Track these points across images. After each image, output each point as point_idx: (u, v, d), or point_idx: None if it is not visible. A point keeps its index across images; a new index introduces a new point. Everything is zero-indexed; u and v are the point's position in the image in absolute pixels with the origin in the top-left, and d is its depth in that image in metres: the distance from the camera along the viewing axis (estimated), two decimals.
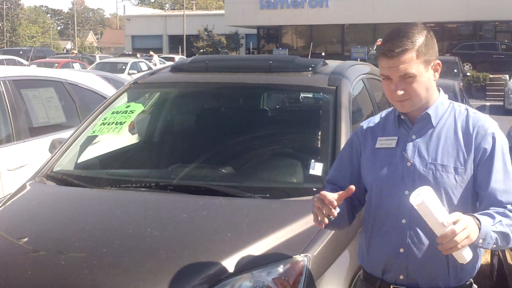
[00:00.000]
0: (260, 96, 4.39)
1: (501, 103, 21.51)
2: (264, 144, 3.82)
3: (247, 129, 4.02)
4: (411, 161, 2.18)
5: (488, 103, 23.17)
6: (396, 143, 2.24)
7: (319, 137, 3.55)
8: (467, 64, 27.75)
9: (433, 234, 2.03)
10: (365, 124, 2.42)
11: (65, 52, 49.09)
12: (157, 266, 2.57)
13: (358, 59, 18.15)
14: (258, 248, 2.68)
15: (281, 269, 2.57)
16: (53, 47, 65.33)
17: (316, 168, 3.23)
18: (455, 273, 2.17)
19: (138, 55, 33.85)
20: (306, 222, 2.73)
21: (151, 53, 36.58)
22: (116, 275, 2.53)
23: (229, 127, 4.11)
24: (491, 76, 26.27)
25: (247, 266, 2.58)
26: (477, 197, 2.19)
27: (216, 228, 2.89)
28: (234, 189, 3.26)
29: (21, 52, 32.79)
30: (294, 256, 2.61)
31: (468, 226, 1.92)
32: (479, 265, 2.25)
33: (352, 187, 2.10)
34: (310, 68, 3.97)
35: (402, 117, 2.26)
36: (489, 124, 2.19)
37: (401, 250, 2.17)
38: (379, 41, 30.85)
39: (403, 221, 2.17)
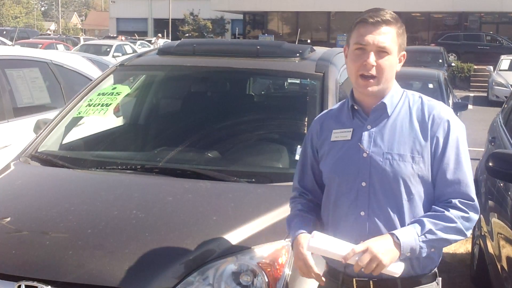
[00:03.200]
0: (247, 81, 4.39)
1: (485, 94, 21.67)
2: (250, 129, 3.83)
3: (233, 114, 4.02)
4: (367, 152, 2.14)
5: (472, 94, 23.32)
6: (351, 135, 2.19)
7: (306, 123, 3.56)
8: (452, 55, 27.88)
9: (393, 225, 2.08)
10: (318, 119, 2.36)
11: (49, 33, 48.56)
12: (142, 248, 2.57)
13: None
14: (243, 232, 2.70)
15: (265, 253, 2.59)
16: (37, 28, 64.55)
17: None
18: (418, 261, 2.13)
19: (123, 38, 33.55)
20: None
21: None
22: (101, 256, 2.53)
23: (216, 112, 4.11)
24: (475, 67, 26.40)
25: (232, 249, 2.60)
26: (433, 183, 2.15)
27: (202, 211, 2.89)
28: (220, 173, 3.26)
29: (4, 32, 32.38)
30: (279, 241, 2.63)
31: (378, 252, 1.96)
32: (441, 254, 2.23)
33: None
34: (297, 54, 3.97)
35: (355, 107, 2.21)
36: (445, 112, 2.16)
37: (361, 242, 2.07)
38: None
39: (362, 213, 2.13)
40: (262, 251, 2.60)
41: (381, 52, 2.09)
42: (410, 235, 2.02)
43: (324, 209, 2.28)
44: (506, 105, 5.56)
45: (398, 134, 2.14)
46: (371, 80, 2.11)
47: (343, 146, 2.20)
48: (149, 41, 35.35)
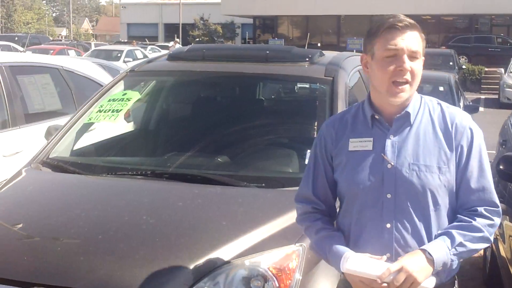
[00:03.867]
0: (257, 86, 4.40)
1: (496, 97, 21.55)
2: (260, 134, 3.83)
3: (243, 119, 4.03)
4: (392, 163, 2.07)
5: (483, 96, 23.21)
6: (372, 145, 2.12)
7: (315, 127, 3.56)
8: (462, 57, 27.76)
9: (420, 236, 2.06)
10: (330, 124, 2.26)
11: (61, 39, 48.83)
12: (152, 254, 2.58)
13: (354, 50, 18.14)
14: (253, 237, 2.70)
15: (276, 258, 2.59)
16: (48, 34, 64.99)
17: None
18: (443, 271, 2.10)
19: (135, 43, 33.70)
20: None
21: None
22: (111, 261, 2.54)
23: (226, 117, 4.11)
24: (486, 69, 26.29)
25: (242, 254, 2.60)
26: (457, 192, 2.13)
27: (211, 216, 2.90)
28: (230, 178, 3.27)
29: (16, 38, 32.60)
30: (289, 246, 2.63)
31: (413, 271, 1.95)
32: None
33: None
34: (307, 59, 3.97)
35: (376, 116, 2.13)
36: (466, 120, 2.13)
37: (387, 255, 2.06)
38: None
39: (388, 225, 2.08)
40: (273, 256, 2.59)
41: (413, 56, 2.05)
42: (441, 250, 2.00)
43: (342, 221, 2.22)
44: None
45: (422, 144, 2.09)
46: (404, 86, 2.05)
47: (364, 156, 2.12)
48: (160, 46, 35.46)
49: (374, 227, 2.10)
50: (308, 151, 3.28)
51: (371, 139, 2.13)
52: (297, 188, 2.78)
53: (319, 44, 31.11)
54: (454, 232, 2.04)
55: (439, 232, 2.07)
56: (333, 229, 2.23)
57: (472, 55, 28.84)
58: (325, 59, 4.05)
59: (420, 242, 2.06)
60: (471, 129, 2.11)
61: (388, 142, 2.10)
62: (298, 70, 3.92)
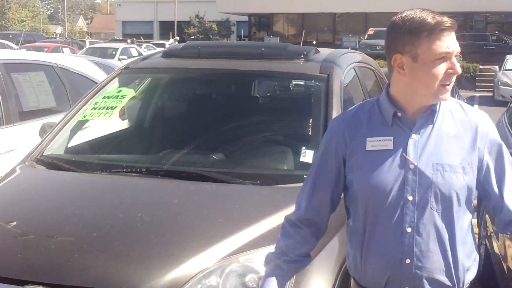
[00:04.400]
0: (252, 83, 4.40)
1: (491, 94, 21.63)
2: (255, 131, 3.83)
3: (238, 116, 4.02)
4: (415, 163, 1.96)
5: (477, 94, 23.25)
6: (392, 144, 2.00)
7: (310, 124, 3.56)
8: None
9: (443, 240, 1.97)
10: (341, 123, 2.11)
11: (55, 37, 48.65)
12: (147, 251, 2.57)
13: (349, 48, 18.15)
14: (248, 234, 2.70)
15: None
16: (43, 32, 64.76)
17: (307, 155, 3.23)
18: (463, 278, 2.04)
19: (129, 41, 33.62)
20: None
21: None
22: (106, 259, 2.53)
23: (221, 114, 4.10)
24: (481, 67, 26.34)
25: (236, 251, 2.60)
26: (487, 196, 2.06)
27: (207, 213, 2.89)
28: (225, 175, 3.26)
29: (10, 36, 32.47)
30: None
31: None
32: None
33: None
34: (302, 56, 3.97)
35: (399, 114, 2.01)
36: (487, 121, 2.06)
37: (407, 261, 1.97)
38: (370, 30, 30.90)
39: (408, 229, 1.96)
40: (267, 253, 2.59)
41: (456, 56, 1.94)
42: None
43: (355, 226, 2.10)
44: (511, 105, 5.54)
45: (445, 143, 1.99)
46: (450, 86, 1.93)
47: (383, 156, 2.00)
48: (155, 44, 35.38)
49: (392, 231, 1.99)
50: (303, 148, 3.29)
51: (391, 137, 2.01)
52: (292, 185, 2.76)
53: (314, 42, 31.13)
54: None
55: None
56: (290, 258, 2.13)
57: (467, 53, 28.84)
58: (320, 56, 4.05)
59: (443, 247, 1.98)
60: (493, 130, 2.05)
61: (411, 141, 1.99)
62: (293, 67, 3.92)
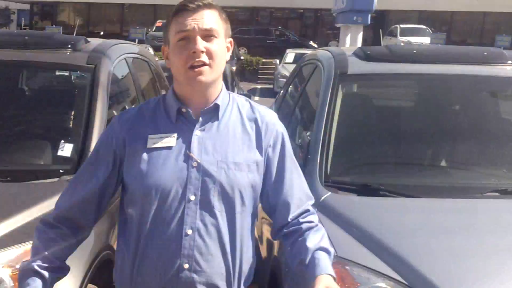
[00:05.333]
0: (14, 73, 4.11)
1: (271, 86, 22.74)
2: (11, 125, 3.60)
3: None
4: (198, 161, 1.88)
5: (259, 86, 24.34)
6: (175, 141, 1.91)
7: (72, 117, 3.43)
8: (242, 48, 28.90)
9: (222, 241, 1.90)
10: (124, 122, 1.97)
11: None
12: None
13: (136, 40, 18.00)
14: None
15: (12, 256, 2.43)
16: None
17: (66, 149, 3.11)
18: (239, 280, 1.99)
19: None
20: (49, 205, 2.55)
21: None
22: None
23: None
24: (263, 60, 27.58)
25: None
26: (265, 195, 2.02)
27: None
28: None
29: None
30: (30, 242, 2.47)
31: None
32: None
33: None
34: (69, 46, 3.83)
35: (183, 109, 1.93)
36: (275, 120, 2.04)
37: (186, 265, 1.88)
38: (158, 22, 30.89)
39: (189, 231, 1.87)
40: (9, 254, 2.44)
41: (208, 36, 1.87)
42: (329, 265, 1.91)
43: (129, 230, 1.94)
44: (278, 95, 5.84)
45: (232, 141, 1.93)
46: (202, 68, 1.85)
47: (166, 154, 1.89)
48: None
49: (172, 235, 1.87)
50: (62, 141, 3.15)
51: (175, 134, 1.91)
52: (48, 180, 2.63)
53: (101, 33, 30.44)
54: (322, 243, 1.95)
55: (314, 248, 1.93)
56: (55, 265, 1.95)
57: (251, 47, 30.16)
58: (90, 46, 3.94)
59: (223, 250, 1.92)
60: (282, 133, 2.03)
61: (195, 138, 1.91)
62: (58, 57, 3.76)
